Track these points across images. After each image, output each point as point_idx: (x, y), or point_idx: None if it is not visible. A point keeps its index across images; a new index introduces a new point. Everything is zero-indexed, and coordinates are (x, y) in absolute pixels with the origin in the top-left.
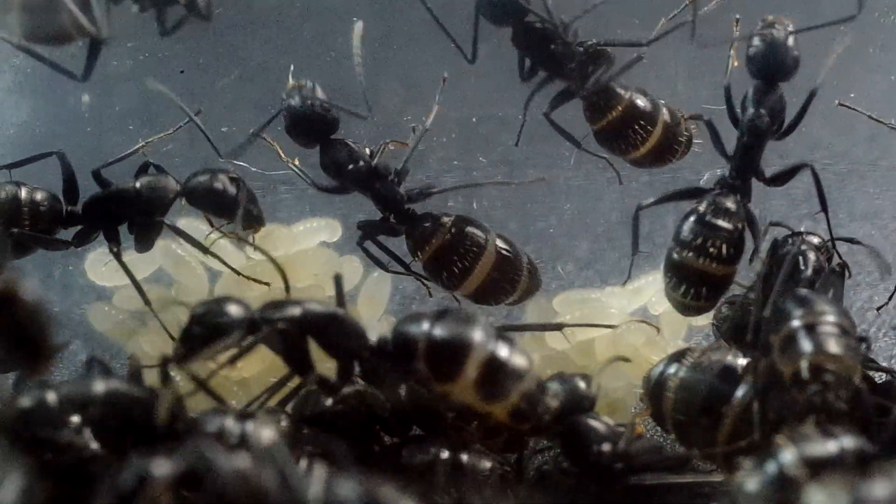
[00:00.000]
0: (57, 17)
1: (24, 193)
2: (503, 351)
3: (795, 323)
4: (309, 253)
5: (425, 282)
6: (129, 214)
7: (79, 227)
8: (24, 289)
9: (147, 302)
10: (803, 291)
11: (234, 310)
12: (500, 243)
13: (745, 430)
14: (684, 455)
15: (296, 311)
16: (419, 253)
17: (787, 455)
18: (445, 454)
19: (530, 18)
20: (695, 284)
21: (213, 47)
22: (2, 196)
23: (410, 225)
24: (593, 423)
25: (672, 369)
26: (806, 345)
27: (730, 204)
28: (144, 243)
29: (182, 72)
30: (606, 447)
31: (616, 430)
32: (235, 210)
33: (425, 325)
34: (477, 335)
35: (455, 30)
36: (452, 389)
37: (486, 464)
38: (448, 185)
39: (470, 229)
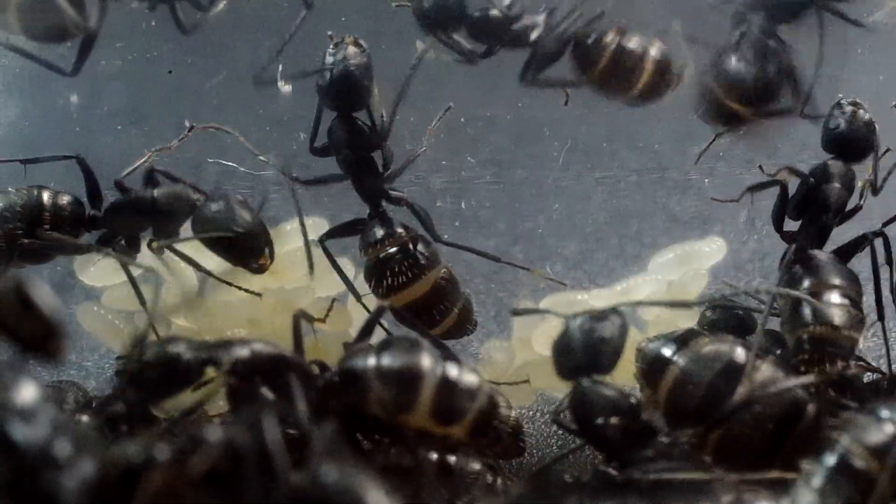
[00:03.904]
0: (53, 13)
1: (46, 197)
2: (453, 373)
3: (801, 290)
4: (298, 252)
5: None
6: (151, 222)
7: (102, 231)
8: (30, 282)
9: (143, 303)
10: (816, 254)
11: (183, 352)
12: (441, 280)
13: (742, 429)
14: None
15: (244, 352)
16: (364, 253)
17: (846, 444)
18: (434, 455)
19: (475, 12)
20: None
21: (202, 47)
22: (24, 199)
23: (369, 224)
24: (605, 390)
25: (673, 353)
26: (809, 315)
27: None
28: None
29: (170, 72)
30: (615, 420)
31: (628, 400)
32: (236, 258)
33: (372, 361)
34: (425, 362)
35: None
36: (408, 419)
37: (475, 466)
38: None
39: (417, 251)
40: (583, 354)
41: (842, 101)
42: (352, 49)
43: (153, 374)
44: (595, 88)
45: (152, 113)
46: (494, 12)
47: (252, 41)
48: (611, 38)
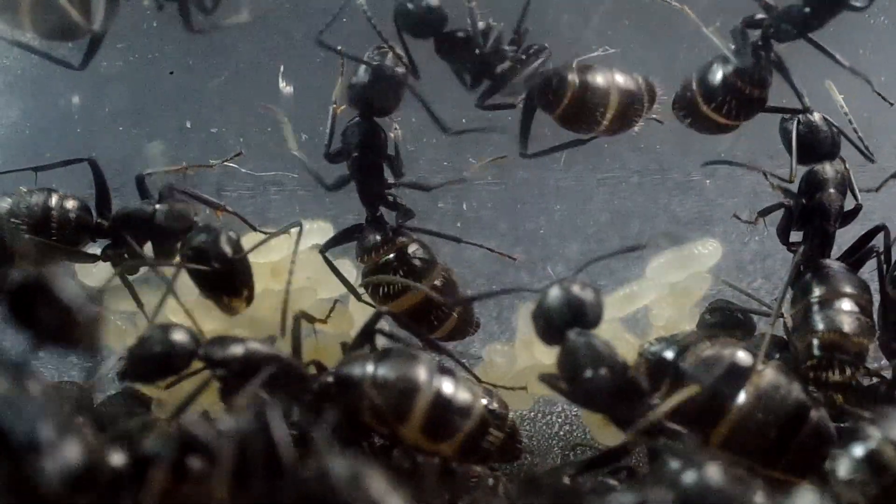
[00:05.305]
0: (63, 12)
1: (54, 200)
2: (449, 390)
3: (812, 298)
4: (301, 256)
5: None
6: (149, 237)
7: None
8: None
9: (140, 305)
10: (825, 263)
11: (178, 339)
12: (437, 283)
13: (745, 432)
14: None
15: (238, 350)
16: (361, 259)
17: (876, 438)
18: (435, 458)
19: (451, 29)
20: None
21: (203, 48)
22: (31, 201)
23: (366, 230)
24: (593, 340)
25: (676, 356)
26: (819, 322)
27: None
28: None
29: (172, 73)
30: (605, 371)
31: (617, 354)
32: (208, 292)
33: (369, 370)
34: (422, 377)
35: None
36: (400, 432)
37: (476, 468)
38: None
39: (414, 257)
40: (566, 310)
41: (784, 117)
42: (392, 58)
43: (144, 353)
44: (564, 127)
45: (154, 114)
46: (464, 35)
47: (253, 42)
48: (572, 79)
